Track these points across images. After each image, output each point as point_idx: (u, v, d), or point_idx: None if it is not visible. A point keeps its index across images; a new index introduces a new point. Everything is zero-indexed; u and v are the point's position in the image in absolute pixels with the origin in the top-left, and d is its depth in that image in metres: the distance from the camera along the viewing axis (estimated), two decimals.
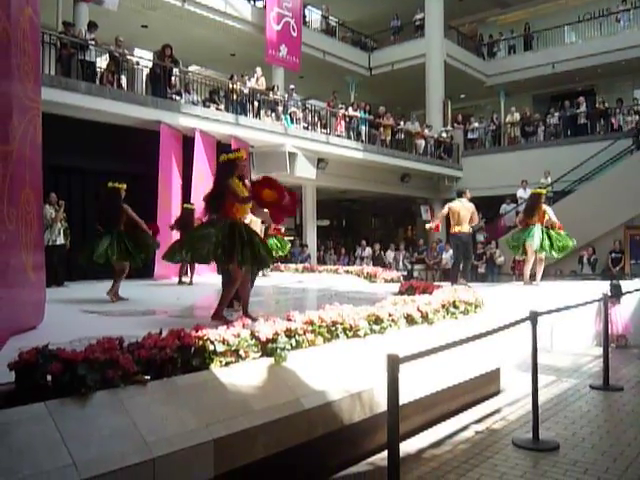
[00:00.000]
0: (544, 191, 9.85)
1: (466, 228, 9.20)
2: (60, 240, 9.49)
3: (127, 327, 4.41)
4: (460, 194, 9.55)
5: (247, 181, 5.17)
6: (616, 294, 7.78)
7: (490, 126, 20.65)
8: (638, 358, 7.40)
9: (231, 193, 4.91)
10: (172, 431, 2.74)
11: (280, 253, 11.66)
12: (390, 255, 17.53)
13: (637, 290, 8.00)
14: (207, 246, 4.73)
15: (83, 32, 11.43)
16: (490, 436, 4.39)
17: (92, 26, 11.48)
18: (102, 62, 12.21)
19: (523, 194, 16.30)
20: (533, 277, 9.46)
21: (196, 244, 4.87)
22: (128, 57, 12.46)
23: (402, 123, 19.28)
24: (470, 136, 20.80)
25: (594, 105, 18.81)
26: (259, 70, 15.17)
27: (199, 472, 2.79)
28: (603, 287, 7.80)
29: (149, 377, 2.90)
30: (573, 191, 15.72)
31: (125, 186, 7.34)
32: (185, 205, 10.33)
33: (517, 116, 19.97)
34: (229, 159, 5.05)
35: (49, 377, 2.63)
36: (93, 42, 11.21)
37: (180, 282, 10.16)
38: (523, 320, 4.27)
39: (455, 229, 9.25)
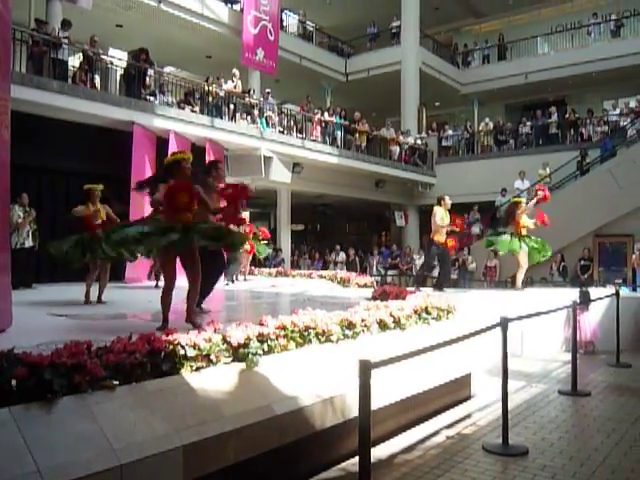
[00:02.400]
0: (522, 200, 9.71)
1: (439, 237, 9.22)
2: (29, 243, 9.31)
3: (96, 331, 4.34)
4: (439, 201, 9.49)
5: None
6: (585, 301, 7.92)
7: (464, 134, 20.90)
8: (606, 364, 7.53)
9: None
10: (140, 437, 2.70)
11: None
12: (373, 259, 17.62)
13: (606, 297, 8.15)
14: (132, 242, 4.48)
15: (56, 30, 11.25)
16: (461, 441, 4.42)
17: (66, 24, 11.33)
18: (75, 61, 12.04)
19: (521, 185, 16.46)
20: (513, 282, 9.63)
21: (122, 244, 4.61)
22: (102, 57, 12.29)
23: (378, 130, 19.39)
24: (444, 143, 21.03)
25: (565, 115, 19.17)
26: (237, 72, 15.12)
27: (168, 479, 2.75)
28: (572, 294, 7.93)
29: (117, 382, 2.85)
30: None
31: (101, 187, 7.22)
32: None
33: (490, 125, 20.25)
34: (174, 160, 4.79)
35: (14, 382, 2.56)
36: (66, 40, 11.04)
37: (157, 286, 9.92)
38: (494, 326, 4.31)
39: (433, 236, 9.31)
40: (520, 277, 9.34)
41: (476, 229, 16.13)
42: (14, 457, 2.33)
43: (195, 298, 4.92)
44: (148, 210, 11.21)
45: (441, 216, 9.21)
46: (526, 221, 9.17)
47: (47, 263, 10.17)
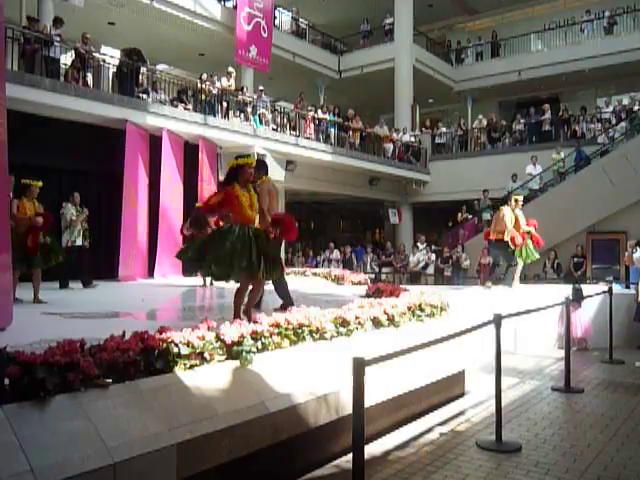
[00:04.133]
0: (518, 198, 9.62)
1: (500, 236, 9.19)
2: (79, 241, 9.33)
3: (90, 329, 4.31)
4: (506, 200, 9.43)
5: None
6: (578, 298, 7.95)
7: (457, 131, 20.92)
8: (599, 361, 7.57)
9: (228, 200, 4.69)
10: (134, 435, 2.69)
11: None
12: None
13: (599, 294, 8.19)
14: (227, 266, 4.49)
15: (48, 28, 11.19)
16: (454, 438, 4.44)
17: (57, 22, 11.25)
18: (67, 59, 11.97)
19: (533, 170, 16.40)
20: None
21: (217, 264, 4.56)
22: (94, 54, 12.22)
23: (372, 128, 19.39)
24: (438, 141, 21.03)
25: (558, 112, 19.21)
26: (232, 70, 15.09)
27: (161, 477, 2.74)
28: (566, 291, 7.96)
29: (111, 380, 2.84)
30: (537, 197, 15.99)
31: (40, 183, 7.11)
32: (197, 205, 9.90)
33: (484, 122, 20.27)
34: (237, 165, 4.80)
35: (7, 380, 2.55)
36: (58, 38, 10.98)
37: (204, 284, 9.87)
38: (487, 323, 4.32)
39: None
40: (517, 275, 9.43)
41: (487, 215, 15.95)
42: (7, 456, 2.32)
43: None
44: (142, 207, 11.28)
45: (510, 217, 9.09)
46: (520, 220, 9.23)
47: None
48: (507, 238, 9.05)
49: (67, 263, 8.97)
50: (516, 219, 9.21)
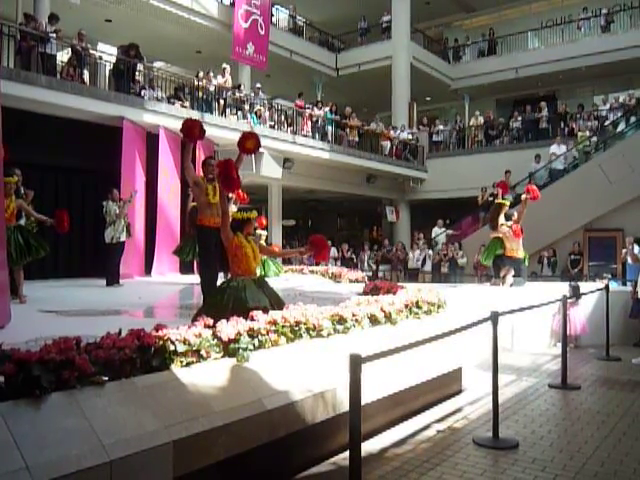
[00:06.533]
0: (506, 203, 9.64)
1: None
2: (123, 237, 9.32)
3: (86, 327, 4.30)
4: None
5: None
6: (575, 295, 7.96)
7: (454, 129, 20.92)
8: (595, 358, 7.58)
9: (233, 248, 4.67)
10: (130, 433, 2.68)
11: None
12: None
13: (596, 291, 8.19)
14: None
15: (44, 24, 11.14)
16: (451, 435, 4.44)
17: (53, 18, 11.20)
18: (63, 56, 11.94)
19: (557, 150, 16.39)
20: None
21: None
22: (91, 51, 12.18)
23: (369, 126, 19.39)
24: (435, 138, 21.04)
25: (555, 110, 19.20)
26: (228, 67, 15.06)
27: (157, 474, 2.73)
28: (562, 288, 7.96)
29: (107, 378, 2.83)
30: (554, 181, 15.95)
31: (15, 179, 6.94)
32: (192, 204, 9.88)
33: (481, 120, 20.27)
34: (245, 217, 4.80)
35: (2, 378, 2.54)
36: (54, 35, 10.94)
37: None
38: (484, 320, 4.32)
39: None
40: (509, 276, 9.43)
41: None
42: (2, 454, 2.31)
43: None
44: (139, 204, 11.26)
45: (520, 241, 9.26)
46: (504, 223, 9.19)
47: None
48: (522, 255, 9.29)
49: (113, 258, 9.06)
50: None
